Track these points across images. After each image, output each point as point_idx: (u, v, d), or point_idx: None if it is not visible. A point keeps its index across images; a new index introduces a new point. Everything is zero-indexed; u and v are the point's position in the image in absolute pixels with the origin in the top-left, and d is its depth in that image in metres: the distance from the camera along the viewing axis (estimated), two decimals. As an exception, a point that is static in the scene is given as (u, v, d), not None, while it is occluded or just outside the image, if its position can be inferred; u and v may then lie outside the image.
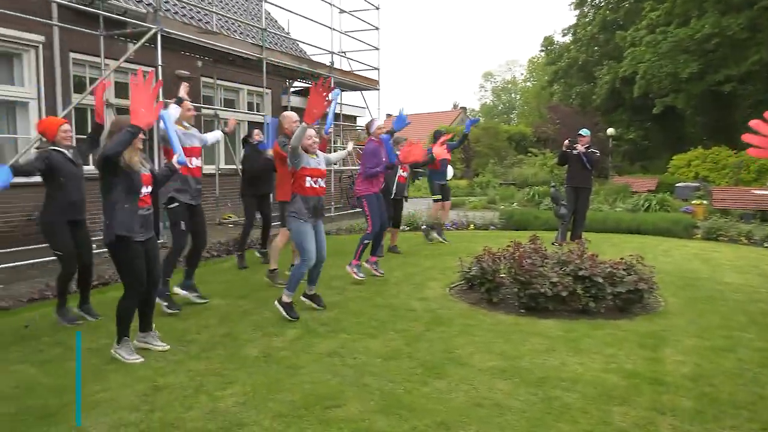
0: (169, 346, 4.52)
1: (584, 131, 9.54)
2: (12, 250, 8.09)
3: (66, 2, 8.80)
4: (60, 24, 9.16)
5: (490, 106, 61.03)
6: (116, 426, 3.24)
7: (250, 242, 8.40)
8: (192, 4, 11.82)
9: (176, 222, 5.63)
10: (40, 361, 4.26)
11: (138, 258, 4.28)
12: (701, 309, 5.72)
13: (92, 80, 9.74)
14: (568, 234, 9.20)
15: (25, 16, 8.27)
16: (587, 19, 31.15)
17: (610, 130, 25.41)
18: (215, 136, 6.42)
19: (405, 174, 8.49)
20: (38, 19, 8.63)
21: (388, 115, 41.80)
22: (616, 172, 24.91)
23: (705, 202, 14.63)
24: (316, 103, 5.04)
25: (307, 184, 5.36)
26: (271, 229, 8.15)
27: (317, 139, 5.40)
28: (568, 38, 33.49)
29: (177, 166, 4.68)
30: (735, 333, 4.95)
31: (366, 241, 6.85)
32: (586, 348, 4.52)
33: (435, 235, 9.91)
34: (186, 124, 5.76)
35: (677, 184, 19.10)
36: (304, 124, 5.11)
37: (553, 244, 7.89)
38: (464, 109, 50.15)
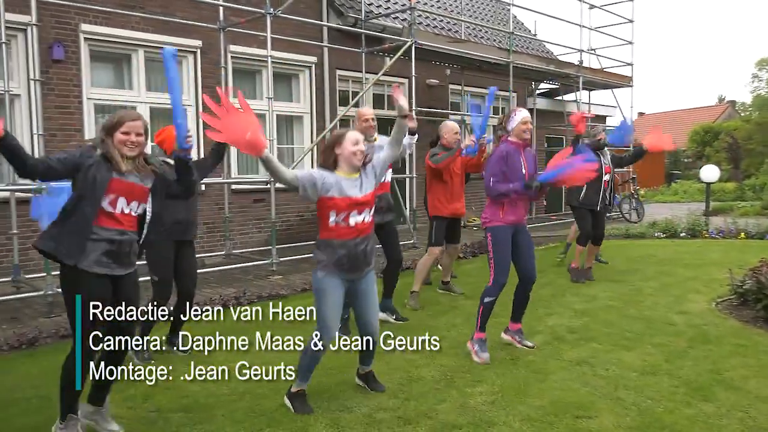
0: None
1: None
2: (289, 246, 9.29)
3: (336, 25, 10.00)
4: (330, 45, 10.37)
5: (765, 97, 53.08)
6: (377, 410, 3.55)
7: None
8: (442, 15, 12.38)
9: None
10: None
11: (90, 295, 2.95)
12: None
13: (354, 94, 10.77)
14: None
15: (303, 41, 9.67)
16: None
17: None
18: (408, 140, 5.16)
19: (608, 177, 7.03)
20: (314, 42, 9.92)
21: (640, 114, 38.95)
22: None
23: None
24: None
25: (332, 221, 3.39)
26: None
27: (362, 147, 3.44)
28: None
29: (184, 152, 3.22)
30: None
31: (486, 300, 4.41)
32: None
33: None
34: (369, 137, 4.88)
35: None
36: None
37: None
38: (732, 103, 44.42)
